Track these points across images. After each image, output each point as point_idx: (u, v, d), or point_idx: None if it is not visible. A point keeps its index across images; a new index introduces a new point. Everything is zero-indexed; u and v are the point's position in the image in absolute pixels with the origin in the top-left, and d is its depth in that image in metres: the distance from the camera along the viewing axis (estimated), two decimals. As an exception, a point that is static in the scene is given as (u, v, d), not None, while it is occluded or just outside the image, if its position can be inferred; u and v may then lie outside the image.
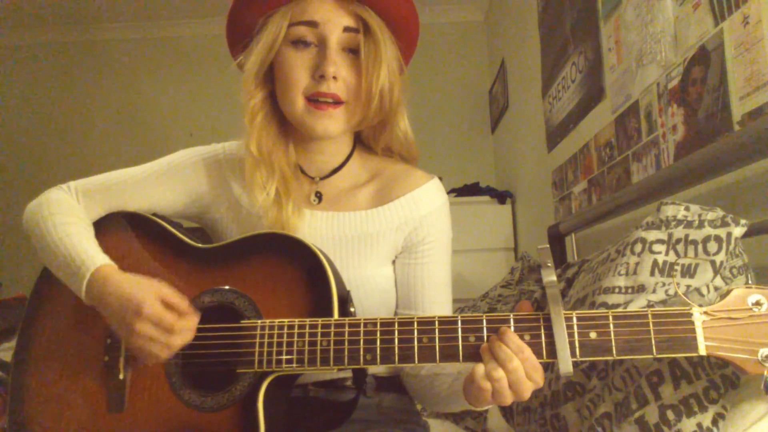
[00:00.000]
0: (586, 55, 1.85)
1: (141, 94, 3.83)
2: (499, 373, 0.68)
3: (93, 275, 0.82)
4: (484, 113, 3.72)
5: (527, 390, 0.69)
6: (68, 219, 0.89)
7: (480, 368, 0.70)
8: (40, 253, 0.89)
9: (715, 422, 0.75)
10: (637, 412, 0.81)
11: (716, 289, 0.82)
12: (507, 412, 1.38)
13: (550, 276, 0.71)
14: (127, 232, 0.94)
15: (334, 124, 0.88)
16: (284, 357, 0.76)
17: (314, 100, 0.87)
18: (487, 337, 0.71)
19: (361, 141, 1.01)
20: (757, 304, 0.67)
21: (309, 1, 0.87)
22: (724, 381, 0.76)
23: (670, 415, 0.77)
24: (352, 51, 0.88)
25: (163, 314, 0.76)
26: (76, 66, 3.86)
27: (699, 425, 0.75)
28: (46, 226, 0.89)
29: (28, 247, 0.90)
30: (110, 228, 0.95)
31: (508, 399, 0.70)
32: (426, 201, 0.95)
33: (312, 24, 0.86)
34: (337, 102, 0.87)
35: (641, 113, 1.46)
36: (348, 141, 0.98)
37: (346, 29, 0.87)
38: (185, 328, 0.77)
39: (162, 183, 0.97)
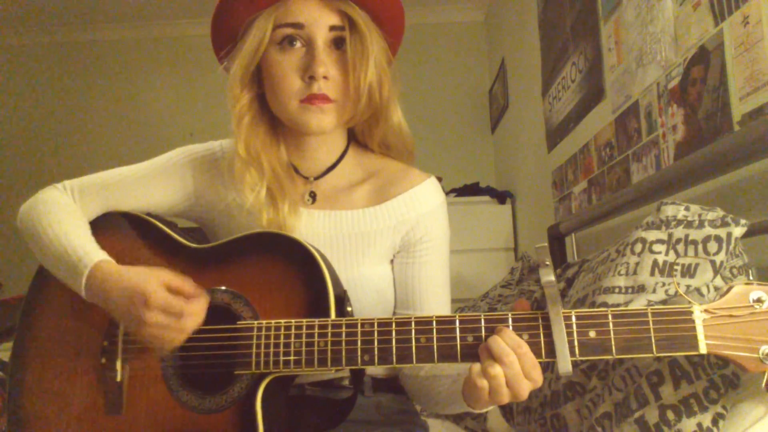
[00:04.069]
0: (586, 55, 1.85)
1: (141, 94, 3.83)
2: (496, 370, 0.68)
3: (92, 272, 0.81)
4: (484, 113, 3.72)
5: (525, 389, 0.69)
6: (63, 216, 0.89)
7: (476, 366, 0.70)
8: (36, 253, 0.89)
9: (715, 422, 0.74)
10: (637, 412, 0.81)
11: (716, 289, 0.82)
12: (507, 412, 1.38)
13: (548, 276, 0.70)
14: (120, 232, 0.94)
15: (327, 118, 0.88)
16: (282, 358, 0.76)
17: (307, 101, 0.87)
18: (486, 336, 0.71)
19: (356, 139, 1.01)
20: (759, 301, 0.66)
21: (293, 2, 0.86)
22: (724, 381, 0.76)
23: (670, 415, 0.77)
24: (340, 48, 0.88)
25: (171, 300, 0.75)
26: (76, 66, 3.86)
27: (699, 425, 0.75)
28: (41, 224, 0.88)
29: (28, 247, 0.90)
30: (103, 229, 0.94)
31: (505, 397, 0.69)
32: (423, 200, 0.95)
33: (297, 26, 0.86)
34: (328, 100, 0.87)
35: (641, 113, 1.46)
36: (341, 139, 0.98)
37: (332, 28, 0.87)
38: (195, 311, 0.77)
39: (158, 181, 0.97)
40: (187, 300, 0.77)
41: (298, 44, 0.87)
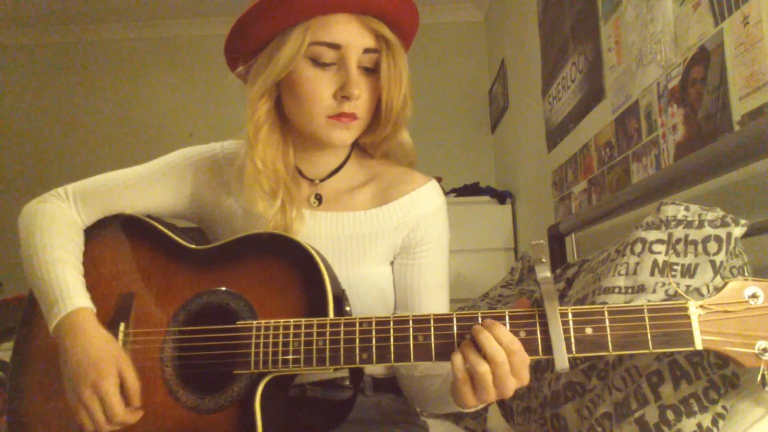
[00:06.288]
0: (586, 55, 1.85)
1: (141, 94, 3.83)
2: (484, 368, 0.67)
3: (67, 316, 0.82)
4: (484, 113, 3.72)
5: (511, 388, 0.68)
6: (58, 240, 0.89)
7: (457, 359, 0.69)
8: (24, 265, 0.90)
9: (714, 422, 0.74)
10: (637, 412, 0.81)
11: (716, 289, 0.82)
12: (507, 412, 1.38)
13: (544, 272, 0.70)
14: (121, 235, 0.94)
15: (350, 134, 0.89)
16: (280, 357, 0.76)
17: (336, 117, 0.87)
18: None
19: (357, 143, 1.01)
20: (754, 296, 0.66)
21: (331, 20, 0.85)
22: (723, 381, 0.76)
23: (670, 415, 0.77)
24: (367, 69, 0.88)
25: (113, 401, 0.77)
26: (76, 66, 3.86)
27: (699, 425, 0.75)
28: (34, 242, 0.89)
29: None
30: (105, 231, 0.95)
31: (492, 396, 0.68)
32: (424, 202, 0.95)
33: (334, 46, 0.85)
34: (355, 118, 0.88)
35: (641, 113, 1.46)
36: None
37: (367, 50, 0.87)
38: (122, 421, 0.78)
39: (160, 183, 0.97)
40: (124, 409, 0.78)
41: (330, 62, 0.86)
